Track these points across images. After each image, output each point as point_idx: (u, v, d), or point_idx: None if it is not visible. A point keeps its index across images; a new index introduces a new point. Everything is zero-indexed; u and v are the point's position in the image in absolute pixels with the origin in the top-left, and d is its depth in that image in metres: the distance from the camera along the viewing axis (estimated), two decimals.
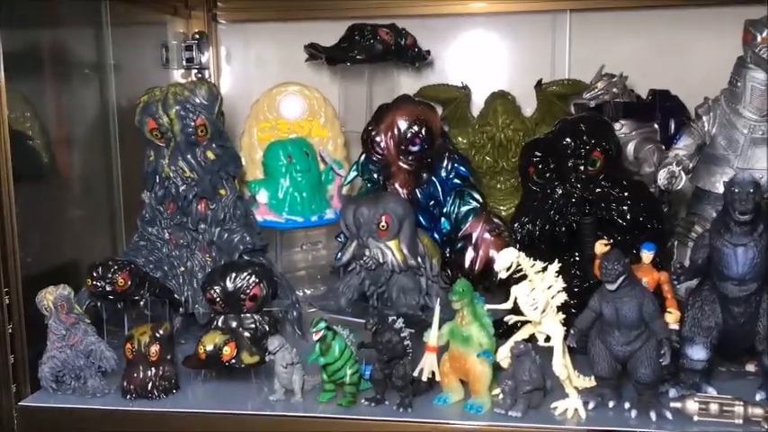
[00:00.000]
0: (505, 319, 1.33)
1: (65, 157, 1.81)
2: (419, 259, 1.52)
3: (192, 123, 1.59)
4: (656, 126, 1.94)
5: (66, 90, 1.79)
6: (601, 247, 1.35)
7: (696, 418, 1.25)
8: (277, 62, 2.30)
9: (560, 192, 1.54)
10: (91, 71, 1.86)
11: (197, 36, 2.26)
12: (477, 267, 1.69)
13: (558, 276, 1.31)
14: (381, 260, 1.50)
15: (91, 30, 1.88)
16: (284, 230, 1.90)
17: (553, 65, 2.19)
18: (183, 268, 1.67)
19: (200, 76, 2.27)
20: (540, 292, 1.30)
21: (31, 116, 1.65)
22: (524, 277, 1.31)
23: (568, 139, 1.52)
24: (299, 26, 2.25)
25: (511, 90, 2.13)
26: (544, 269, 1.32)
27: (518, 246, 1.58)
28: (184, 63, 2.23)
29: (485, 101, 2.09)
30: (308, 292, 1.93)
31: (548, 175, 1.55)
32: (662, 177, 1.50)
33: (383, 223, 1.49)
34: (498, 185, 2.06)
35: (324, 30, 2.13)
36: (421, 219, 1.73)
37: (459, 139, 2.05)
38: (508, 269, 1.30)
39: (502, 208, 2.02)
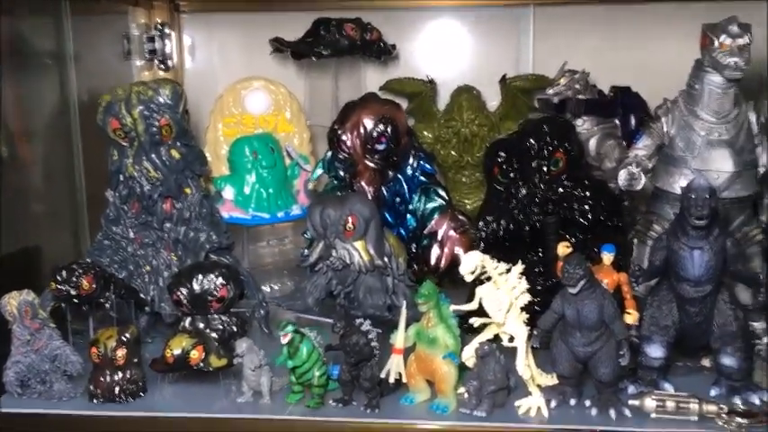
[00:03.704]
0: (471, 321, 1.35)
1: (23, 151, 1.78)
2: (385, 259, 1.54)
3: (157, 123, 1.57)
4: (617, 122, 1.98)
5: (24, 82, 1.76)
6: (563, 248, 1.38)
7: (653, 415, 1.29)
8: (242, 54, 2.28)
9: (524, 192, 1.57)
10: (50, 62, 1.82)
11: (159, 27, 2.23)
12: (442, 264, 1.71)
13: (521, 277, 1.34)
14: (348, 261, 1.52)
15: (50, 20, 1.84)
16: (251, 226, 1.90)
17: (518, 60, 2.21)
18: (148, 267, 1.66)
19: (162, 67, 2.24)
20: (504, 294, 1.33)
21: None
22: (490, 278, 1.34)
23: (532, 141, 1.54)
24: (264, 17, 2.24)
25: (476, 84, 2.14)
26: (508, 271, 1.35)
27: (482, 244, 1.62)
28: (147, 55, 2.20)
29: (450, 95, 2.10)
30: (276, 287, 1.93)
31: (512, 175, 1.58)
32: (622, 178, 1.53)
33: (350, 224, 1.50)
34: (463, 179, 2.08)
35: (289, 21, 2.12)
36: (387, 216, 1.75)
37: (425, 133, 2.07)
38: (472, 272, 1.32)
39: (467, 201, 2.05)
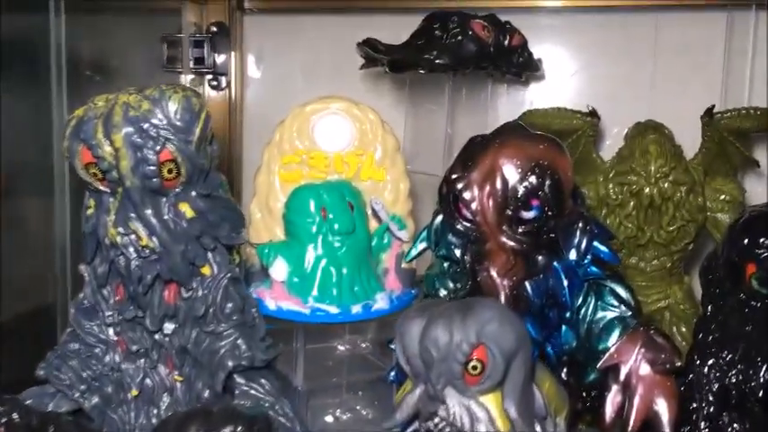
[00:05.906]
0: None
1: None
2: (537, 428, 0.83)
3: (153, 157, 0.93)
4: None
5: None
6: None
7: None
8: (326, 69, 1.68)
9: None
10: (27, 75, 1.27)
11: (213, 29, 1.65)
12: (631, 426, 0.98)
13: None
14: (468, 428, 0.81)
15: (31, 15, 1.29)
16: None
17: (725, 86, 1.52)
18: (135, 391, 1.03)
19: (214, 84, 1.66)
20: None
21: None
22: None
23: None
24: (356, 21, 1.65)
25: (656, 119, 1.45)
26: None
27: (710, 403, 0.90)
28: (191, 65, 1.61)
29: (626, 135, 1.41)
30: (345, 416, 1.28)
31: None
32: None
33: (474, 362, 0.80)
34: (641, 265, 1.37)
35: (390, 26, 1.50)
36: (529, 328, 1.04)
37: (584, 191, 1.38)
38: None
39: (644, 302, 1.34)
